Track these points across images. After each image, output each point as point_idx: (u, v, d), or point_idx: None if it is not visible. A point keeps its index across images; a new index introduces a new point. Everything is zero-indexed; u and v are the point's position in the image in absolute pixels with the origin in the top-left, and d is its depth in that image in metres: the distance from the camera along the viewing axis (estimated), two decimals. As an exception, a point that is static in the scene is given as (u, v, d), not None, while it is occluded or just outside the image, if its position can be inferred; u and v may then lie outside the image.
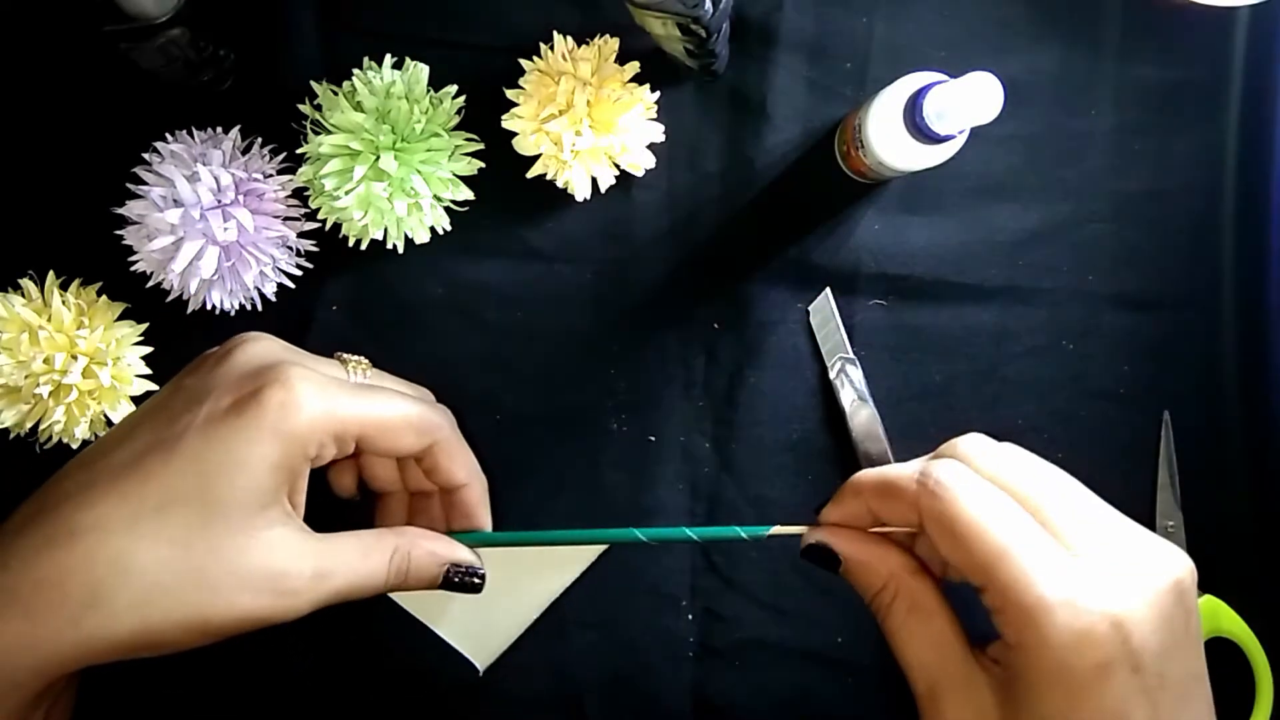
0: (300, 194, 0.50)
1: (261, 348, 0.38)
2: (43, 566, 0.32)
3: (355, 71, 0.49)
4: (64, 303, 0.48)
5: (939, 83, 0.42)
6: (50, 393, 0.47)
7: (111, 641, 0.32)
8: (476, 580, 0.41)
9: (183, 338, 0.50)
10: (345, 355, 0.45)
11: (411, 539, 0.39)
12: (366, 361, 0.45)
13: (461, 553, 0.41)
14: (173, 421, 0.35)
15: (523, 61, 0.49)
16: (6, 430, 0.48)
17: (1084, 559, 0.29)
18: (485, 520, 0.44)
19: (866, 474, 0.35)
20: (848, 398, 0.52)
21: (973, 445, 0.34)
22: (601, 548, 0.49)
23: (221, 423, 0.34)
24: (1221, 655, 0.52)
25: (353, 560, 0.37)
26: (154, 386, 0.49)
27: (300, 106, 0.49)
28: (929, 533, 0.32)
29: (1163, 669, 0.28)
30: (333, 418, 0.36)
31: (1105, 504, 0.33)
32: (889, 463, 0.52)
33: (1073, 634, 0.27)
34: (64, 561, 0.32)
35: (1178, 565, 0.30)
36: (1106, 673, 0.27)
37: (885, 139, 0.45)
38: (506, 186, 0.51)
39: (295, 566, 0.34)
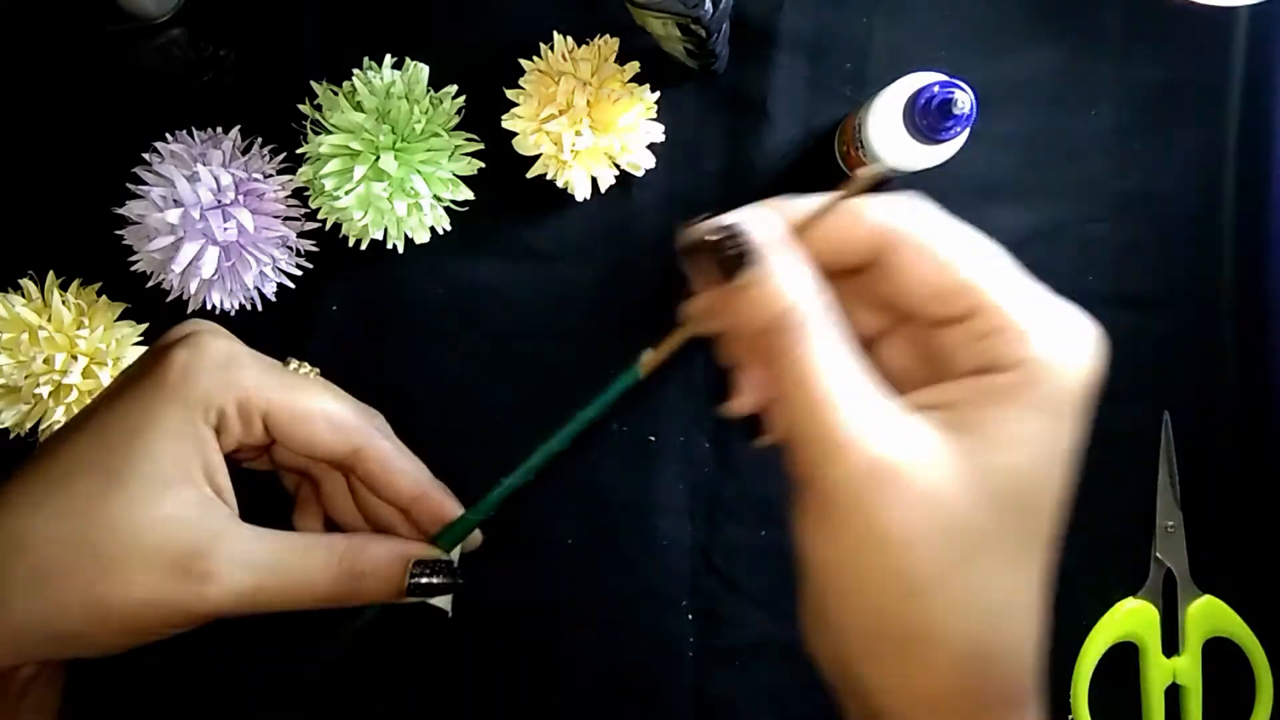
0: (300, 194, 0.50)
1: (205, 334, 0.35)
2: None
3: (355, 71, 0.49)
4: (64, 303, 0.48)
5: (939, 83, 0.42)
6: (50, 393, 0.47)
7: (14, 628, 0.30)
8: (447, 580, 0.35)
9: (183, 338, 0.50)
10: (291, 359, 0.43)
11: (365, 538, 0.34)
12: (314, 369, 0.45)
13: (427, 549, 0.35)
14: (95, 401, 0.33)
15: (523, 61, 0.49)
16: (7, 430, 0.48)
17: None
18: (454, 512, 0.38)
19: (793, 201, 0.29)
20: (848, 398, 0.52)
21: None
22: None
23: (125, 389, 0.32)
24: (1221, 655, 0.52)
25: (288, 554, 0.32)
26: (154, 386, 0.49)
27: (300, 106, 0.49)
28: (895, 258, 0.27)
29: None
30: (235, 384, 0.33)
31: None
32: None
33: (1081, 351, 0.26)
34: None
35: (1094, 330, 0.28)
36: (1079, 397, 0.26)
37: (885, 139, 0.45)
38: (506, 186, 0.51)
39: (207, 547, 0.30)
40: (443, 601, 0.37)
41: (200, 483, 0.32)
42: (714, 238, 0.28)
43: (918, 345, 0.29)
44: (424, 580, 0.34)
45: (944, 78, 0.43)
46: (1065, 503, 0.27)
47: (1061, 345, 0.26)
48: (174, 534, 0.30)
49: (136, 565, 0.30)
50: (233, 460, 0.35)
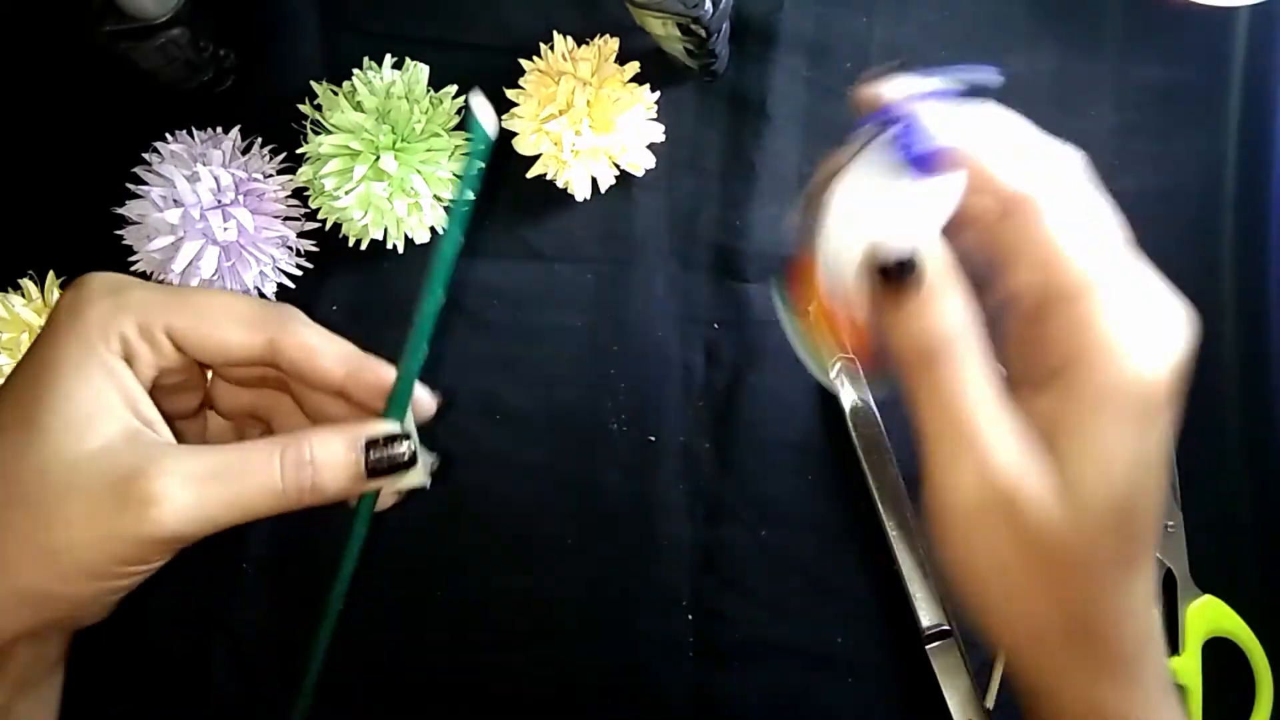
0: (300, 194, 0.50)
1: (90, 275, 0.34)
2: None
3: (355, 71, 0.49)
4: (64, 303, 0.48)
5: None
6: (50, 393, 0.47)
7: None
8: (405, 451, 0.32)
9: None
10: None
11: (308, 430, 0.32)
12: None
13: (375, 425, 0.33)
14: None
15: (523, 61, 0.49)
16: (6, 430, 0.48)
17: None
18: (391, 378, 0.34)
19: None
20: (848, 398, 0.52)
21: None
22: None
23: (29, 350, 0.32)
24: (1221, 655, 0.52)
25: (229, 460, 0.30)
26: (154, 387, 0.49)
27: (300, 106, 0.49)
28: (1012, 246, 0.30)
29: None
30: (126, 306, 0.32)
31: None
32: (889, 465, 0.52)
33: (1167, 355, 0.29)
34: None
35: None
36: (1165, 403, 0.29)
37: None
38: (506, 186, 0.51)
39: (143, 469, 0.29)
40: (416, 477, 0.34)
41: (122, 412, 0.31)
42: (888, 261, 0.29)
43: (1016, 314, 0.31)
44: (381, 456, 0.32)
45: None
46: (1162, 502, 0.30)
47: (1150, 352, 0.28)
48: (106, 465, 0.29)
49: (73, 504, 0.29)
50: (179, 415, 0.34)
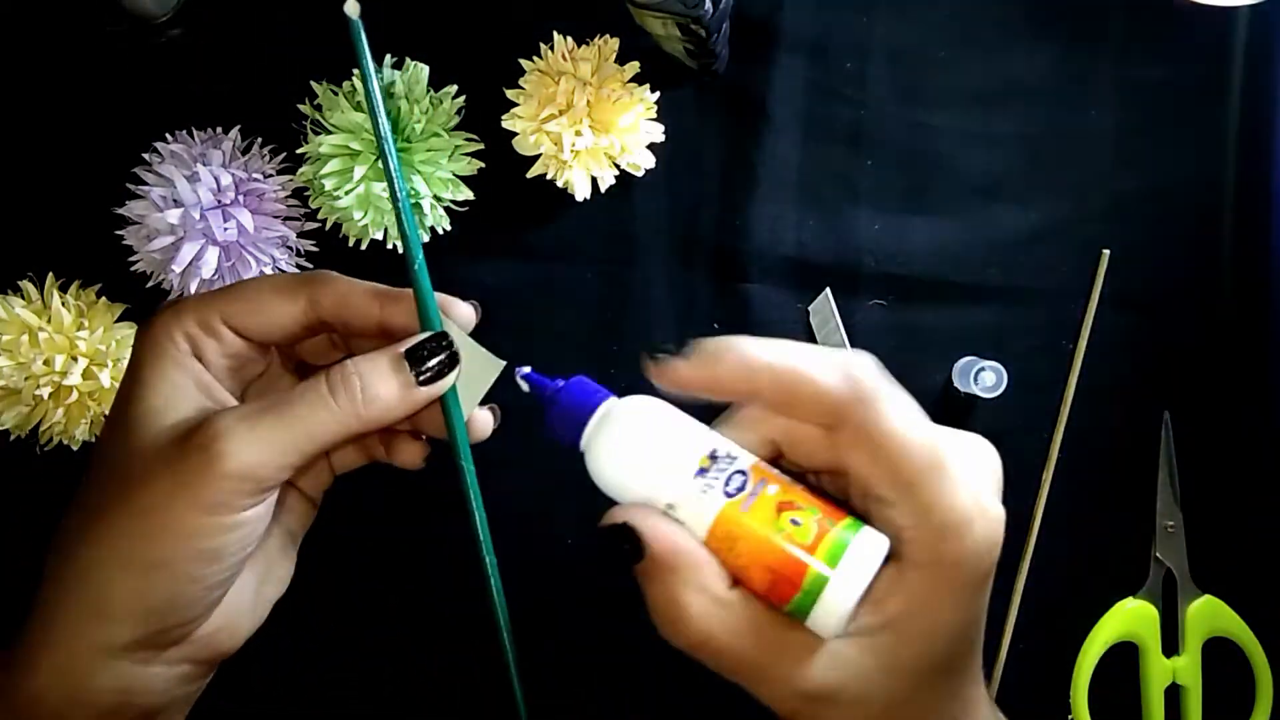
0: (300, 194, 0.50)
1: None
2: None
3: (355, 71, 0.49)
4: (64, 304, 0.48)
5: None
6: (50, 394, 0.47)
7: (109, 590, 0.31)
8: (445, 351, 0.34)
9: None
10: None
11: (348, 359, 0.34)
12: None
13: (412, 338, 0.34)
14: None
15: (523, 61, 0.49)
16: (7, 432, 0.48)
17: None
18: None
19: (761, 359, 0.31)
20: (848, 398, 0.52)
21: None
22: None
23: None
24: (1221, 655, 0.52)
25: (282, 399, 0.33)
26: (154, 387, 0.49)
27: (300, 106, 0.49)
28: (846, 444, 0.30)
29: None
30: (184, 308, 0.35)
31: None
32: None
33: (988, 542, 0.28)
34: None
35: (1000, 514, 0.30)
36: (992, 569, 0.29)
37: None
38: (506, 186, 0.51)
39: (203, 420, 0.32)
40: (488, 372, 0.36)
41: (196, 396, 0.34)
42: (610, 536, 0.32)
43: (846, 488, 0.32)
44: (421, 353, 0.34)
45: None
46: (980, 651, 0.31)
47: (984, 534, 0.28)
48: (180, 432, 0.32)
49: (155, 466, 0.31)
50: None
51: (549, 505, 0.51)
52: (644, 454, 0.31)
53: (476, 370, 0.36)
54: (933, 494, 0.28)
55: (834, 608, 0.28)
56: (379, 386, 0.33)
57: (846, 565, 0.28)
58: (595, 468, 0.32)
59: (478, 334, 0.53)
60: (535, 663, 0.51)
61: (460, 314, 0.37)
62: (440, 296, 0.36)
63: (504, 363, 0.36)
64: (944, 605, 0.29)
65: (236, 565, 0.33)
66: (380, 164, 0.45)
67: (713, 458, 0.30)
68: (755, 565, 0.29)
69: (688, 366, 0.31)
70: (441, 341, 0.35)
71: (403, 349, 0.34)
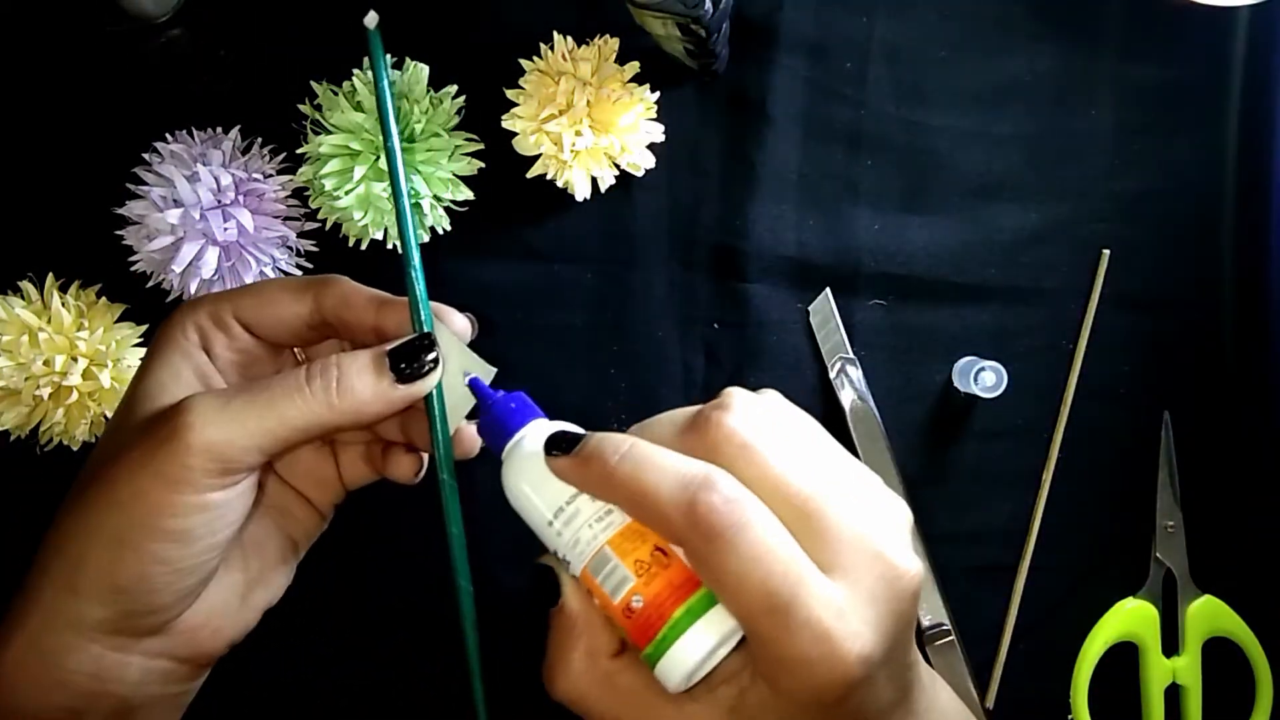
0: (300, 194, 0.50)
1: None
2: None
3: (355, 71, 0.49)
4: (64, 304, 0.48)
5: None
6: (50, 395, 0.47)
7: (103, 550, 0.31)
8: (428, 352, 0.34)
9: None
10: None
11: (325, 350, 0.36)
12: None
13: (390, 325, 0.35)
14: None
15: (523, 61, 0.49)
16: (7, 432, 0.48)
17: (838, 587, 0.28)
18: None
19: (619, 474, 0.29)
20: (848, 398, 0.52)
21: (737, 421, 0.30)
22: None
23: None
24: (1221, 655, 0.52)
25: (261, 384, 0.33)
26: (154, 387, 0.49)
27: (300, 106, 0.49)
28: (691, 565, 0.29)
29: (890, 678, 0.29)
30: (200, 304, 0.36)
31: (847, 463, 0.31)
32: (889, 465, 0.52)
33: (829, 682, 0.28)
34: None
35: (912, 572, 0.29)
36: (849, 708, 0.28)
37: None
38: (506, 186, 0.51)
39: (184, 398, 0.32)
40: (473, 368, 0.36)
41: (193, 383, 0.35)
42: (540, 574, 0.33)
43: None
44: (401, 351, 0.34)
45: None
46: (915, 686, 0.31)
47: (825, 676, 0.27)
48: (161, 404, 0.33)
49: (135, 444, 0.32)
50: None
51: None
52: (534, 487, 0.32)
53: (462, 387, 0.36)
54: (768, 636, 0.28)
55: (679, 663, 0.29)
56: (355, 380, 0.33)
57: (705, 623, 0.29)
58: (504, 483, 0.33)
59: (479, 334, 0.52)
60: (537, 662, 0.51)
61: (455, 325, 0.37)
62: (437, 306, 0.36)
63: (494, 370, 0.36)
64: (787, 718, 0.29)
65: (207, 553, 0.32)
66: (385, 167, 0.45)
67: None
68: (616, 608, 0.30)
69: (568, 466, 0.31)
70: (424, 342, 0.35)
71: (388, 348, 0.34)
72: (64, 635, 0.31)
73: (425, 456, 0.39)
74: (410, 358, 0.34)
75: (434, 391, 0.35)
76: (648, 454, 0.29)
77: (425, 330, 0.35)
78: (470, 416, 0.36)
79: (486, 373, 0.36)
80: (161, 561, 0.31)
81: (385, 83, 0.33)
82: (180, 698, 0.35)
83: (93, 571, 0.31)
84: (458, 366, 0.35)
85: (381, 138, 0.33)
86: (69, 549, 0.32)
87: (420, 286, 0.35)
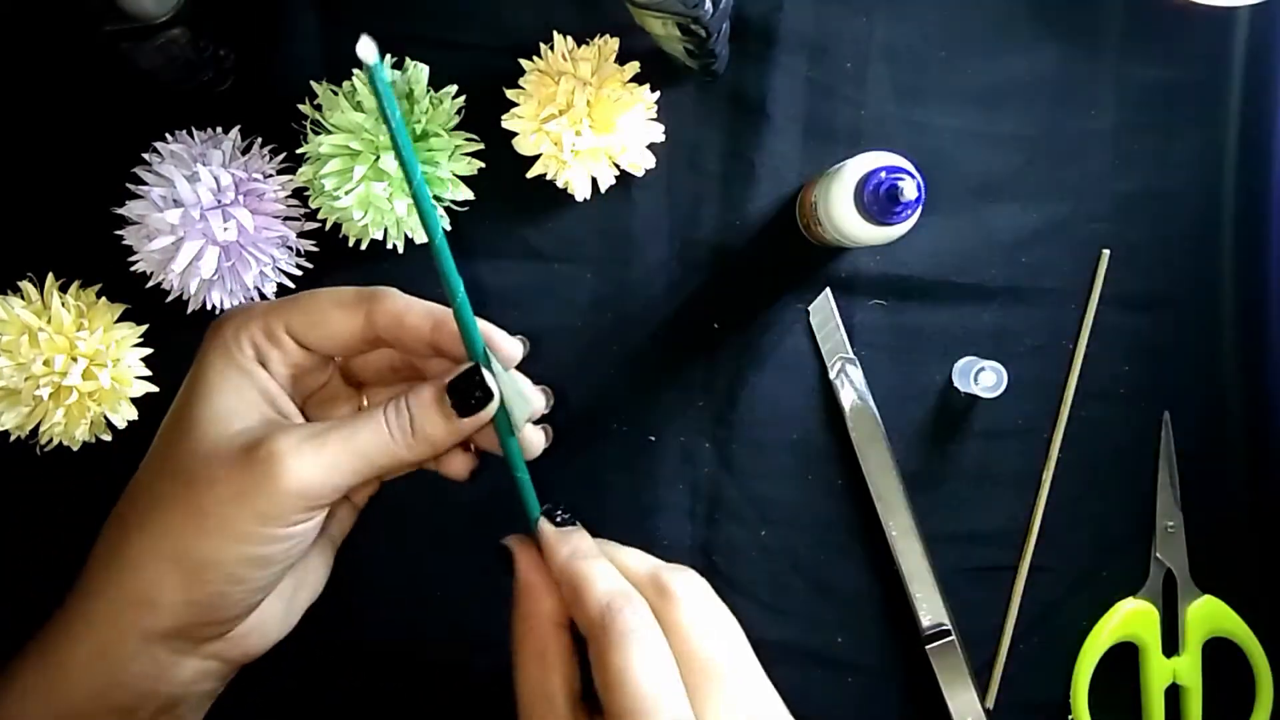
0: (300, 194, 0.50)
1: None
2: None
3: (355, 71, 0.49)
4: (64, 304, 0.47)
5: (887, 169, 0.42)
6: (50, 395, 0.47)
7: (160, 584, 0.33)
8: (477, 383, 0.35)
9: (183, 338, 0.50)
10: None
11: (398, 391, 0.36)
12: None
13: (458, 370, 0.36)
14: None
15: (523, 61, 0.49)
16: (7, 433, 0.48)
17: None
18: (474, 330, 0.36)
19: (557, 561, 0.35)
20: (848, 398, 0.52)
21: (686, 589, 0.34)
22: None
23: (192, 367, 0.36)
24: (1221, 655, 0.52)
25: (341, 423, 0.34)
26: (154, 388, 0.49)
27: (300, 106, 0.49)
28: (590, 657, 0.32)
29: None
30: (251, 316, 0.36)
31: (763, 693, 0.35)
32: (889, 465, 0.52)
33: None
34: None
35: None
36: None
37: (842, 216, 0.45)
38: (506, 186, 0.51)
39: (268, 435, 0.33)
40: (532, 403, 0.37)
41: (260, 405, 0.35)
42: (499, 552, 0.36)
43: None
44: (459, 389, 0.35)
45: (895, 161, 0.43)
46: None
47: None
48: (244, 440, 0.33)
49: (216, 469, 0.33)
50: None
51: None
52: None
53: (520, 396, 0.37)
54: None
55: None
56: (424, 416, 0.35)
57: None
58: None
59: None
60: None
61: (504, 353, 0.37)
62: (486, 329, 0.36)
63: (544, 398, 0.39)
64: None
65: (281, 573, 0.34)
66: (388, 169, 0.46)
67: None
68: None
69: (523, 552, 0.36)
70: (475, 377, 0.36)
71: (446, 380, 0.35)
72: (133, 644, 0.33)
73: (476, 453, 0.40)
74: (467, 394, 0.35)
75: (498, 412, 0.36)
76: (602, 558, 0.35)
77: (480, 357, 0.36)
78: (533, 421, 0.38)
79: (537, 398, 0.38)
80: (240, 582, 0.33)
81: (396, 119, 0.32)
82: (215, 693, 0.37)
83: (171, 591, 0.33)
84: (506, 388, 0.36)
85: (408, 185, 0.33)
86: (147, 568, 0.33)
87: (467, 312, 0.35)
